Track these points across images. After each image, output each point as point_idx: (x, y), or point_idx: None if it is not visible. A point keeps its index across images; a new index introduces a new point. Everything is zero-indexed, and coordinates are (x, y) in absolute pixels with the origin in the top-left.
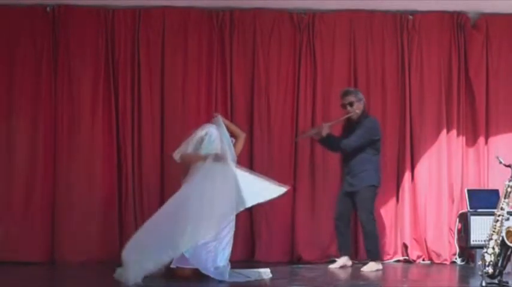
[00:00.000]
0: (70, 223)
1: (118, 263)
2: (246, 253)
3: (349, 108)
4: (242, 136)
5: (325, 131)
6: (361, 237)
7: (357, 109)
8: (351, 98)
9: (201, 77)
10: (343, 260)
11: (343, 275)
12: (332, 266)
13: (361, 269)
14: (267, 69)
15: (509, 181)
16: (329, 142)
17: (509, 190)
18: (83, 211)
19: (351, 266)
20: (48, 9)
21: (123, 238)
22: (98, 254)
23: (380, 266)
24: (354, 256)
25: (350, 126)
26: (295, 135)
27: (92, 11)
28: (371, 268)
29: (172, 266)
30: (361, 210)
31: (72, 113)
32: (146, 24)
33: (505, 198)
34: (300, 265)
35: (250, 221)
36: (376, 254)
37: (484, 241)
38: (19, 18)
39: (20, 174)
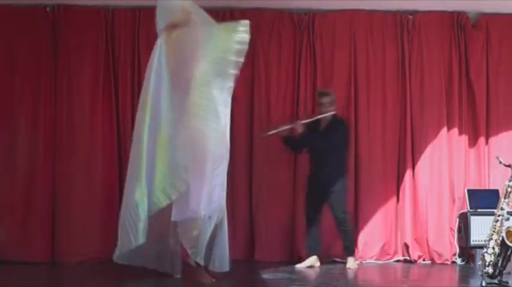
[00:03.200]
0: (70, 223)
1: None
2: (246, 253)
3: (329, 108)
4: None
5: (300, 129)
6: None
7: (333, 110)
8: (328, 99)
9: None
10: (313, 260)
11: (342, 275)
12: (299, 265)
13: (348, 267)
14: (267, 68)
15: (509, 181)
16: (294, 141)
17: (509, 190)
18: (83, 211)
19: (319, 266)
20: (48, 9)
21: None
22: (98, 255)
23: (357, 262)
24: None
25: (317, 125)
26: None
27: (92, 11)
28: (353, 264)
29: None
30: (338, 209)
31: (73, 113)
32: (146, 24)
33: (505, 198)
34: None
35: (250, 221)
36: (353, 250)
37: (484, 241)
38: (19, 18)
39: (20, 174)
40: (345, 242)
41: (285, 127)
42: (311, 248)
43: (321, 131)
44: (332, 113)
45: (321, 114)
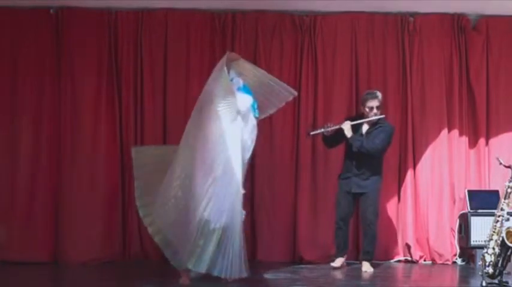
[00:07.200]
0: (73, 223)
1: (121, 263)
2: (248, 253)
3: (376, 111)
4: None
5: (348, 131)
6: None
7: (381, 113)
8: (379, 102)
9: (203, 79)
10: (342, 261)
11: (344, 275)
12: (334, 264)
13: (364, 270)
14: (269, 71)
15: (509, 181)
16: (337, 140)
17: (509, 190)
18: (86, 211)
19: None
20: (51, 11)
21: (126, 238)
22: (101, 255)
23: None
24: (355, 256)
25: (358, 127)
26: (309, 131)
27: (95, 13)
28: (369, 267)
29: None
30: (370, 212)
31: (76, 115)
32: (149, 26)
33: (505, 199)
34: (302, 265)
35: (252, 221)
36: (373, 255)
37: (484, 241)
38: (23, 20)
39: (23, 174)
40: (369, 247)
41: (333, 127)
42: (344, 248)
43: (365, 133)
44: (382, 116)
45: (369, 116)
